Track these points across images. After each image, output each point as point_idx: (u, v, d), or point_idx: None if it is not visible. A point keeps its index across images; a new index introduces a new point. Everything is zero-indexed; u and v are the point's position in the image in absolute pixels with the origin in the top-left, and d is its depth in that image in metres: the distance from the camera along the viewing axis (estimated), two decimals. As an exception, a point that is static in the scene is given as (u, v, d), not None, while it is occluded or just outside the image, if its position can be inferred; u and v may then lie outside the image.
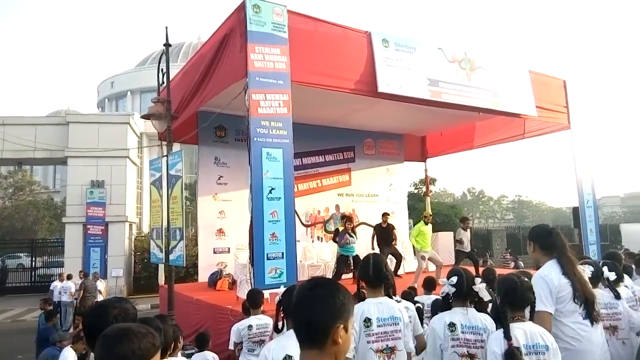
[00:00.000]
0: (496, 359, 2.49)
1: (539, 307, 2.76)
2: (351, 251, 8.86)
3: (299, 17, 7.27)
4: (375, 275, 2.97)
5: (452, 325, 2.86)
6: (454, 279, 2.95)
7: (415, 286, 6.89)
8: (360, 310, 2.90)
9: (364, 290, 3.24)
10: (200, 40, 39.96)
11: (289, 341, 2.55)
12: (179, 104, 8.79)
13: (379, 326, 2.86)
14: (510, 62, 10.09)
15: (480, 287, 2.93)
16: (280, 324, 2.94)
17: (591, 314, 2.90)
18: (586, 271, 3.34)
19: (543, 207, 72.89)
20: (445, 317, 2.93)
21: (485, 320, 2.90)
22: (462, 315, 2.90)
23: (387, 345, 2.86)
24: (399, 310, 2.95)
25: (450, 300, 3.00)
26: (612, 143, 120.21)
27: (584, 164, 11.13)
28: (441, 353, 2.88)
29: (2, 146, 16.92)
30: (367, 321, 2.85)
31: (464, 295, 2.95)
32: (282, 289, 2.91)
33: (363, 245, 9.87)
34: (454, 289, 2.94)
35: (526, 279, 2.72)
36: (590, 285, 3.04)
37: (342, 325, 1.39)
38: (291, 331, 2.66)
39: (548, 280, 2.93)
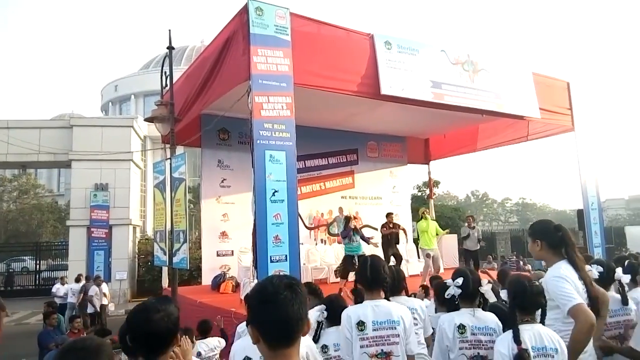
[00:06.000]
0: None
1: (572, 302, 2.61)
2: (356, 250, 8.79)
3: (301, 20, 7.27)
4: (372, 278, 2.89)
5: (461, 327, 2.81)
6: (459, 280, 2.92)
7: (426, 284, 6.80)
8: (355, 313, 2.82)
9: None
10: (203, 44, 40.06)
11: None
12: (182, 107, 8.80)
13: (375, 330, 2.76)
14: (514, 64, 10.06)
15: (487, 288, 2.92)
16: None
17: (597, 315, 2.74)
18: (593, 272, 3.19)
19: (547, 209, 72.53)
20: (454, 318, 2.88)
21: (495, 320, 2.87)
22: (470, 317, 2.86)
23: (382, 350, 2.76)
24: (398, 314, 2.83)
25: (457, 302, 2.97)
26: (616, 145, 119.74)
27: (588, 167, 11.07)
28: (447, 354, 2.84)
29: (6, 149, 16.98)
30: (361, 324, 2.75)
31: (470, 296, 2.93)
32: None
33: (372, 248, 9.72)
34: (459, 291, 2.91)
35: (537, 283, 2.66)
36: (597, 287, 2.89)
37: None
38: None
39: (570, 280, 2.73)
